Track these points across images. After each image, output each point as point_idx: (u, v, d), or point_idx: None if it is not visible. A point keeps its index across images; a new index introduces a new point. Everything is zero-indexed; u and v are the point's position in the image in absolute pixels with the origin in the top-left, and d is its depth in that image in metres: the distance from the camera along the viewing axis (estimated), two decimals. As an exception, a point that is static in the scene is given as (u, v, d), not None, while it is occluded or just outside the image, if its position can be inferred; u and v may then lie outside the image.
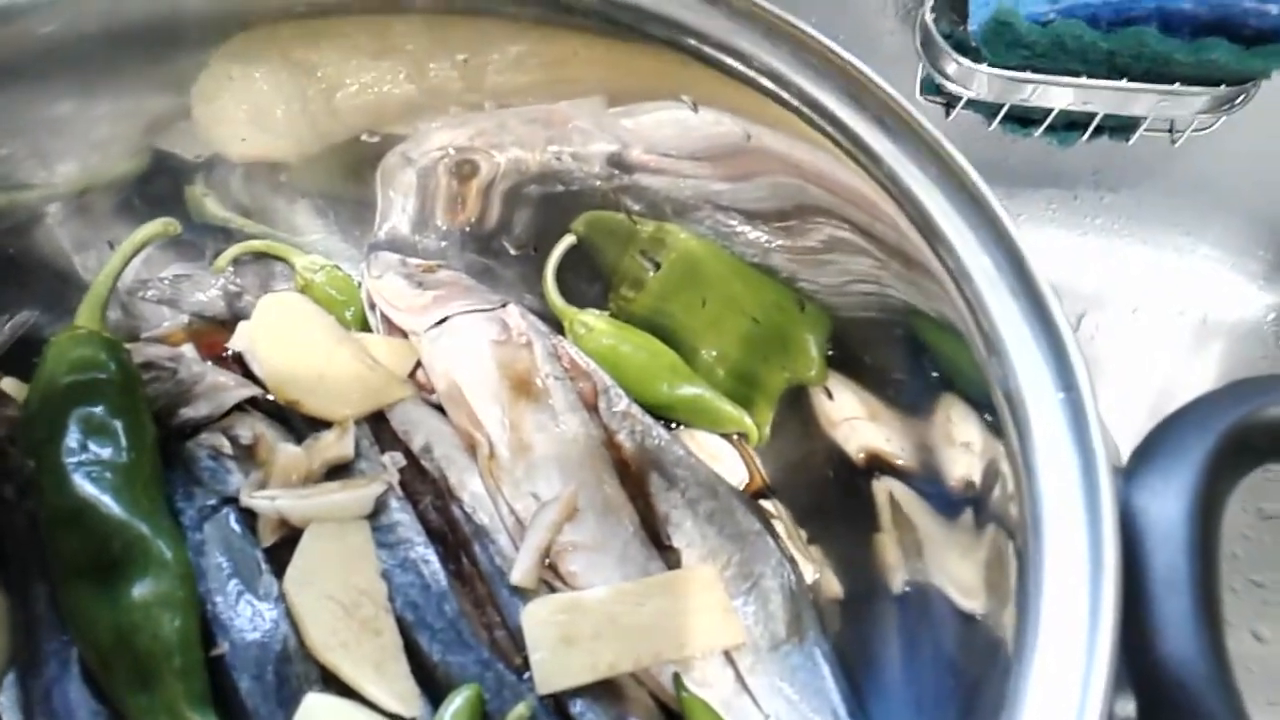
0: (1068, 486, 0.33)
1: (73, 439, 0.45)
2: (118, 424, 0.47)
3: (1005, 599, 0.36)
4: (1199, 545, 0.32)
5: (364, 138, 0.55)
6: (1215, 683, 0.30)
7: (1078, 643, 0.31)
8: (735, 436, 0.56)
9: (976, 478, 0.41)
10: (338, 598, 0.45)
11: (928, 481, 0.47)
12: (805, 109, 0.42)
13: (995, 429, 0.37)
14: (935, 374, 0.45)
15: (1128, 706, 0.31)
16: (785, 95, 0.43)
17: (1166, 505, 0.33)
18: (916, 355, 0.46)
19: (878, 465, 0.51)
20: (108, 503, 0.44)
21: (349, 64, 0.52)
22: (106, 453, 0.45)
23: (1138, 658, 0.31)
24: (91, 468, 0.45)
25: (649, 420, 0.53)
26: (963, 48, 0.60)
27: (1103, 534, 0.32)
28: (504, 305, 0.55)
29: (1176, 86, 0.60)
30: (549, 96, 0.52)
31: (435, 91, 0.53)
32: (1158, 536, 0.32)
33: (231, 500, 0.48)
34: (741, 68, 0.44)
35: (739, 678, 0.46)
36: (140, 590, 0.43)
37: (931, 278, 0.39)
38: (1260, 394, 0.35)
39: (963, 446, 0.43)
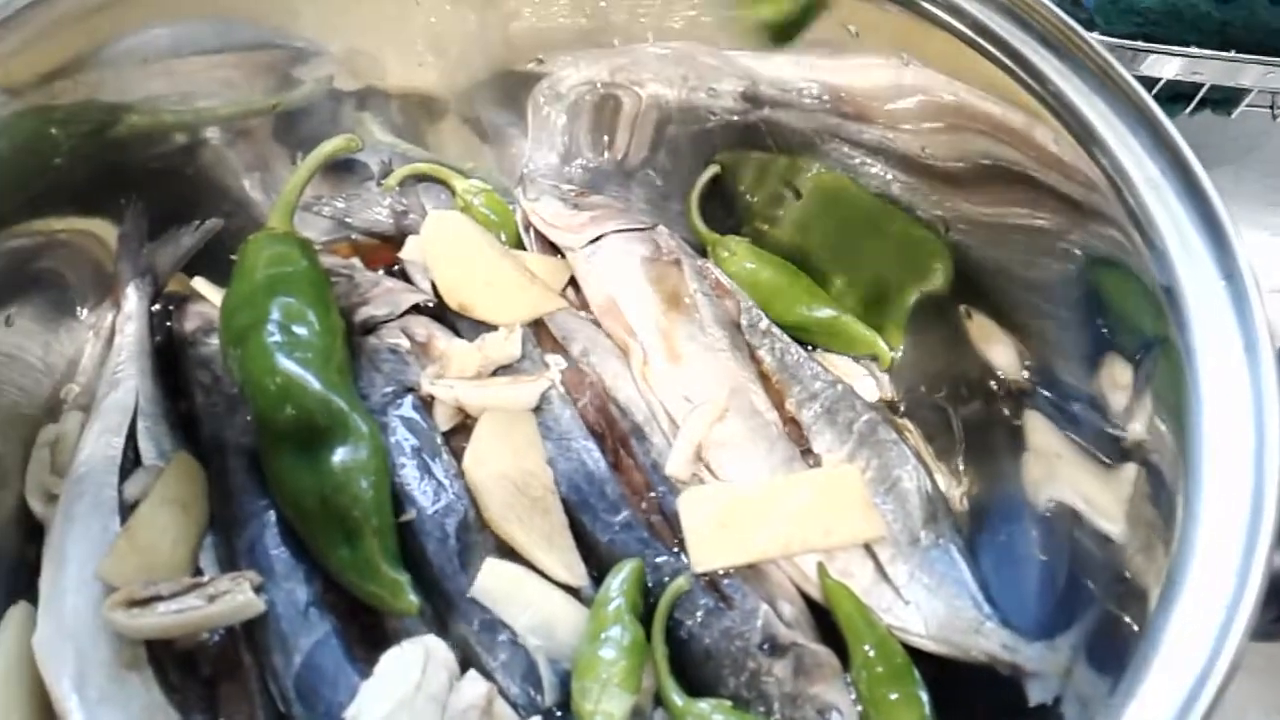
0: (1231, 364, 0.36)
1: (274, 324, 0.50)
2: (312, 313, 0.51)
3: (1161, 497, 0.38)
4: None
5: (530, 66, 0.59)
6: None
7: (1242, 498, 0.33)
8: (867, 359, 0.59)
9: (1126, 399, 0.43)
10: (511, 477, 0.49)
11: (1066, 404, 0.49)
12: (967, 30, 0.45)
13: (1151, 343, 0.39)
14: (1096, 319, 0.46)
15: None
16: (948, 19, 0.46)
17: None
18: (1065, 291, 0.47)
19: (1012, 389, 0.53)
20: (310, 379, 0.48)
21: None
22: (305, 336, 0.50)
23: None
24: (293, 349, 0.49)
25: (788, 339, 0.57)
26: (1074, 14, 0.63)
27: (1264, 403, 0.35)
28: (654, 226, 0.59)
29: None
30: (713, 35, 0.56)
31: (602, 24, 0.57)
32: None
33: (410, 390, 0.52)
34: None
35: (879, 568, 0.49)
36: (340, 457, 0.47)
37: (1088, 184, 0.42)
38: None
39: (1109, 376, 0.45)
